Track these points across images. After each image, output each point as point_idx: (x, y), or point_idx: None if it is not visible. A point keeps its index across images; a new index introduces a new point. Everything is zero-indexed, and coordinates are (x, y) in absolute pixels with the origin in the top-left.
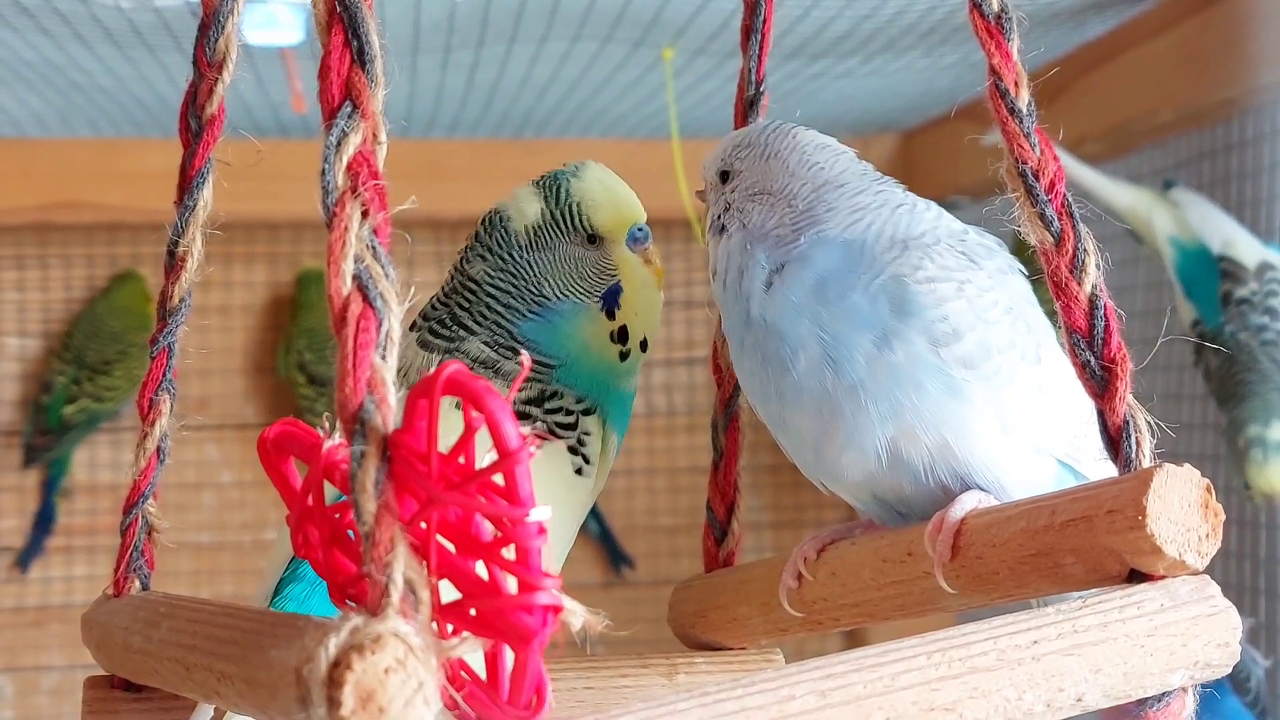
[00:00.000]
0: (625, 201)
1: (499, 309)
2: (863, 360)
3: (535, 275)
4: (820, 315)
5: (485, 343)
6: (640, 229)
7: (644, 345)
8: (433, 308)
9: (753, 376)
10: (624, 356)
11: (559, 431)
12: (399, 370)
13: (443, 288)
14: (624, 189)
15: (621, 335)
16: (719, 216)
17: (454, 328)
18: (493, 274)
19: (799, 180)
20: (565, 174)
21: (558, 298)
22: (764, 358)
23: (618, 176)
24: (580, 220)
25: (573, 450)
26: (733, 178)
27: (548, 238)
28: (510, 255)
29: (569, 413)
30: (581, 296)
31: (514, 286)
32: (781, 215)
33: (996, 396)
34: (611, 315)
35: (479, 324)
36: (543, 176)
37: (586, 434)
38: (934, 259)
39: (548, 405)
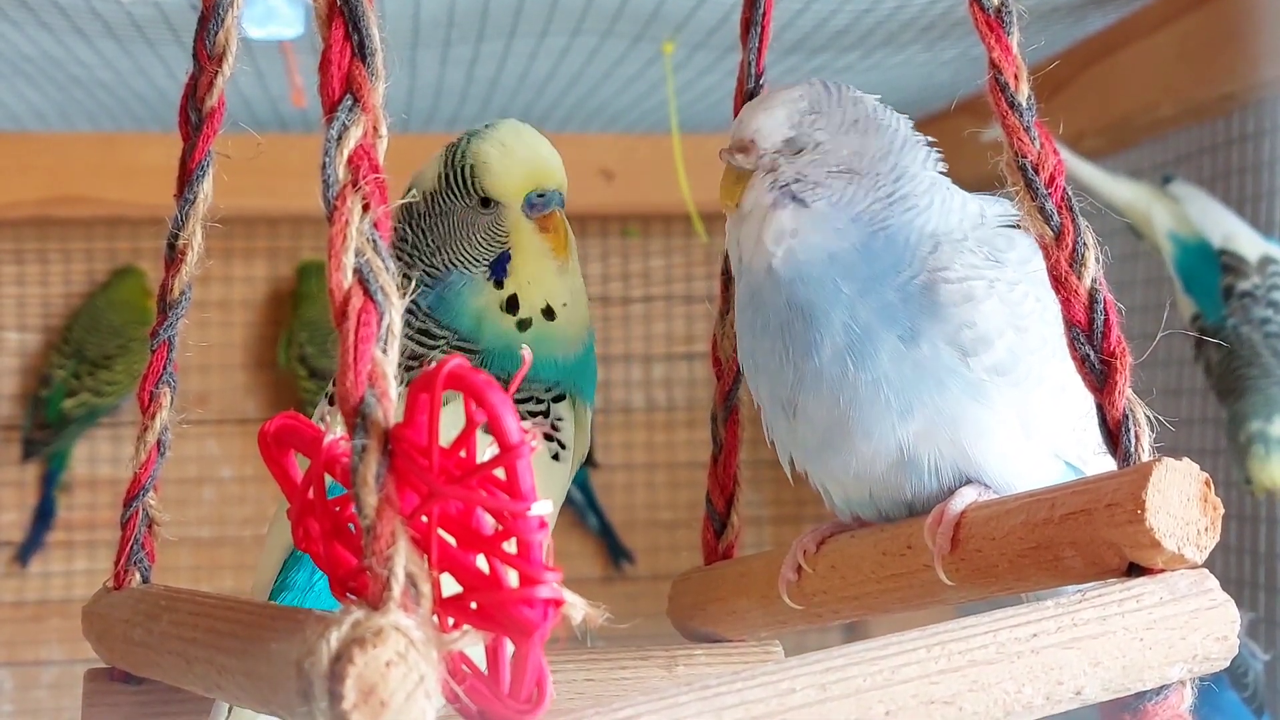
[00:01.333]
0: (523, 163)
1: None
2: (887, 356)
3: (429, 244)
4: (856, 306)
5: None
6: (541, 194)
7: (549, 313)
8: None
9: (771, 357)
10: (522, 326)
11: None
12: None
13: None
14: (528, 150)
15: (511, 305)
16: (789, 184)
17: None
18: (397, 243)
19: (880, 161)
20: (469, 134)
21: (447, 268)
22: (789, 340)
23: (535, 135)
24: (472, 183)
25: (547, 437)
26: (808, 149)
27: (443, 203)
28: (412, 223)
29: (539, 401)
30: (469, 266)
31: (410, 258)
32: (869, 197)
33: (1024, 399)
34: (500, 284)
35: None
36: (466, 133)
37: (559, 419)
38: (966, 257)
39: (517, 396)
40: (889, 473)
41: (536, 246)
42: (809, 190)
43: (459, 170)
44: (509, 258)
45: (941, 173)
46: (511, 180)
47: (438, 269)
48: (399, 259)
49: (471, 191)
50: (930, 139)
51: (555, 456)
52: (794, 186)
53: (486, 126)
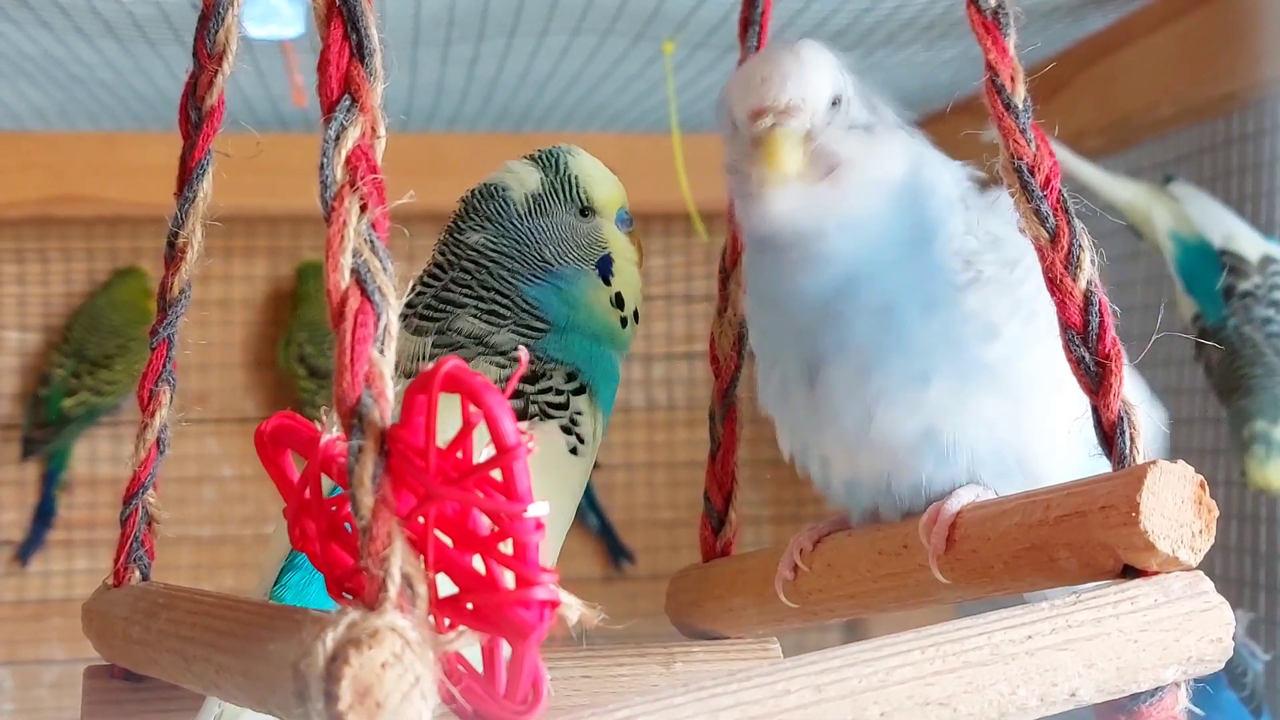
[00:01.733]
0: (614, 184)
1: (503, 274)
2: (916, 320)
3: (536, 241)
4: (897, 268)
5: (474, 314)
6: (625, 211)
7: (636, 316)
8: (418, 294)
9: (796, 323)
10: (623, 324)
11: (551, 412)
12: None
13: (426, 271)
14: (612, 174)
15: (619, 301)
16: (840, 143)
17: (443, 306)
18: (494, 240)
19: (892, 118)
20: (561, 150)
21: (559, 262)
22: (829, 302)
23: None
24: (578, 191)
25: (565, 430)
26: (841, 105)
27: (546, 205)
28: (511, 223)
29: (559, 392)
30: (579, 263)
31: (517, 251)
32: (894, 156)
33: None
34: (607, 282)
35: (477, 295)
36: (537, 151)
37: (579, 414)
38: (976, 237)
39: (539, 385)
40: (906, 449)
41: (629, 255)
42: (859, 147)
43: (566, 179)
44: (611, 260)
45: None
46: (610, 195)
47: (548, 263)
48: (501, 253)
49: (575, 199)
50: None
51: (574, 450)
52: (845, 146)
53: (569, 147)
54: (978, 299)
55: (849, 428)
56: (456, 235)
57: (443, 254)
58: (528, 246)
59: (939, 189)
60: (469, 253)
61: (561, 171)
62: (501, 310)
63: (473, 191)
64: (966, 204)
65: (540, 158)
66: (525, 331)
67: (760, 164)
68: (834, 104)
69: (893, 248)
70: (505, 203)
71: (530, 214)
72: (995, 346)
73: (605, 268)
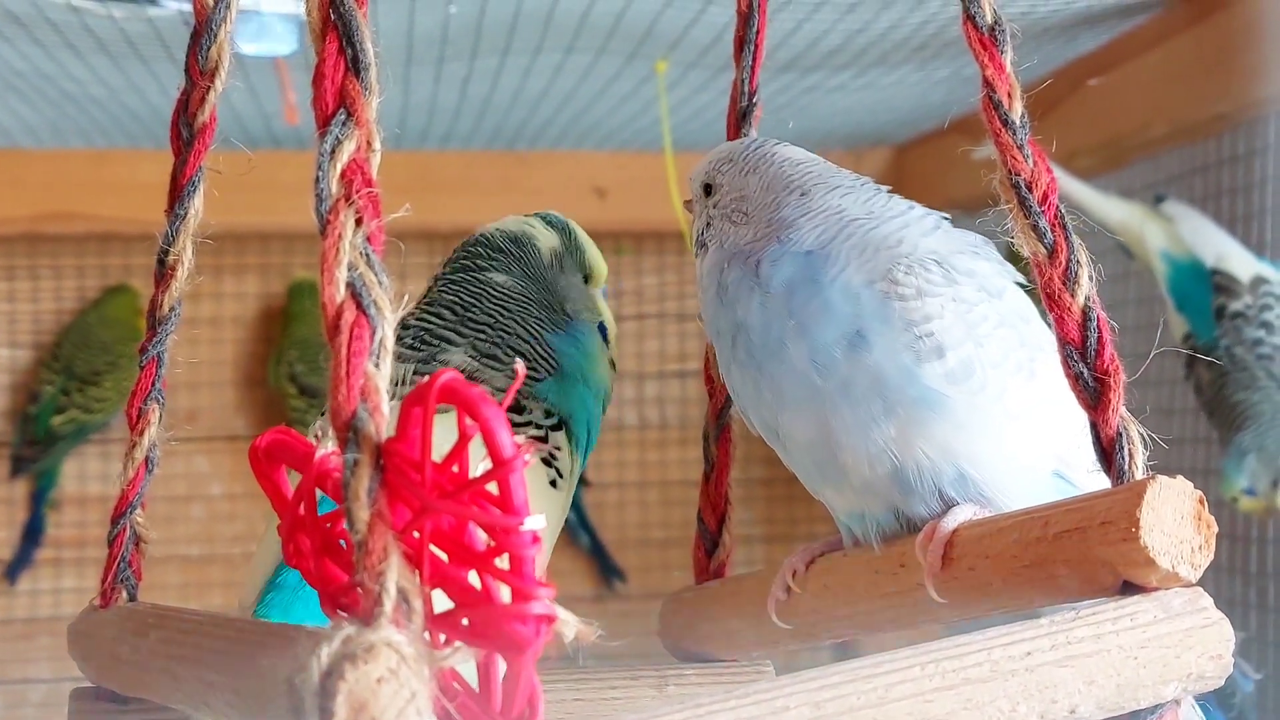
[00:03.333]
0: (603, 259)
1: (527, 317)
2: (841, 358)
3: (560, 294)
4: (794, 318)
5: (470, 354)
6: (607, 287)
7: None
8: (418, 319)
9: (744, 386)
10: (611, 387)
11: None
12: None
13: (430, 300)
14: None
15: (613, 364)
16: (701, 232)
17: (436, 341)
18: (522, 284)
19: (772, 194)
20: (564, 219)
21: (573, 316)
22: (754, 366)
23: None
24: (583, 259)
25: (545, 462)
26: (715, 191)
27: (564, 265)
28: (541, 273)
29: (538, 426)
30: (590, 322)
31: (544, 300)
32: (755, 229)
33: (985, 410)
34: (606, 342)
35: (488, 333)
36: (539, 214)
37: (557, 449)
38: (908, 268)
39: (523, 417)
40: (876, 485)
41: (612, 321)
42: (713, 234)
43: (575, 245)
44: (605, 328)
45: (900, 202)
46: (603, 270)
47: (569, 316)
48: (530, 299)
49: (581, 266)
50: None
51: (553, 483)
52: (705, 232)
53: (559, 215)
54: (923, 318)
55: (825, 478)
56: (475, 273)
57: (460, 285)
58: (554, 296)
59: (830, 244)
60: (494, 291)
61: (572, 238)
62: (507, 352)
63: (492, 233)
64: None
65: (553, 222)
66: (540, 365)
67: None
68: (708, 192)
69: (775, 300)
70: (534, 251)
71: (552, 268)
72: (940, 365)
73: (604, 332)
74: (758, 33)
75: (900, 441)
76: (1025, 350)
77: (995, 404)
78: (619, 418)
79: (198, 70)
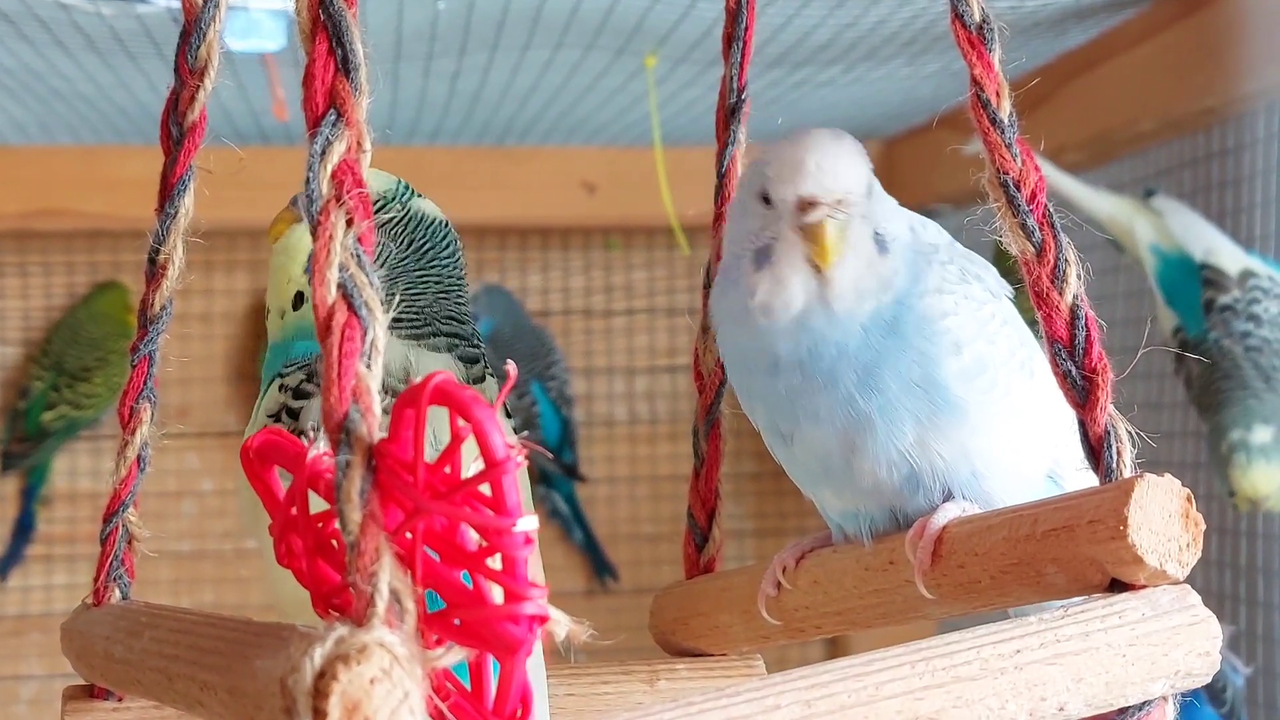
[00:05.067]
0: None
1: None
2: (891, 382)
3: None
4: (870, 338)
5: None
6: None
7: None
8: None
9: (774, 391)
10: None
11: None
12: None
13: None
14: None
15: None
16: (878, 230)
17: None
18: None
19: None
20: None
21: None
22: (802, 376)
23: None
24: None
25: None
26: (872, 193)
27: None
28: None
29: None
30: None
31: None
32: (901, 228)
33: (995, 409)
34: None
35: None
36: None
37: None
38: (938, 270)
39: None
40: (884, 488)
41: None
42: (888, 232)
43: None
44: None
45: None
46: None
47: None
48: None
49: None
50: None
51: None
52: (880, 231)
53: None
54: (942, 315)
55: (828, 482)
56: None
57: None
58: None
59: (923, 251)
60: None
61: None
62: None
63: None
64: (946, 258)
65: None
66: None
67: (811, 250)
68: (868, 194)
69: (873, 319)
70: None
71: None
72: (957, 361)
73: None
74: (746, 28)
75: (919, 446)
76: (1025, 349)
77: (1003, 402)
78: (609, 413)
79: (187, 69)
